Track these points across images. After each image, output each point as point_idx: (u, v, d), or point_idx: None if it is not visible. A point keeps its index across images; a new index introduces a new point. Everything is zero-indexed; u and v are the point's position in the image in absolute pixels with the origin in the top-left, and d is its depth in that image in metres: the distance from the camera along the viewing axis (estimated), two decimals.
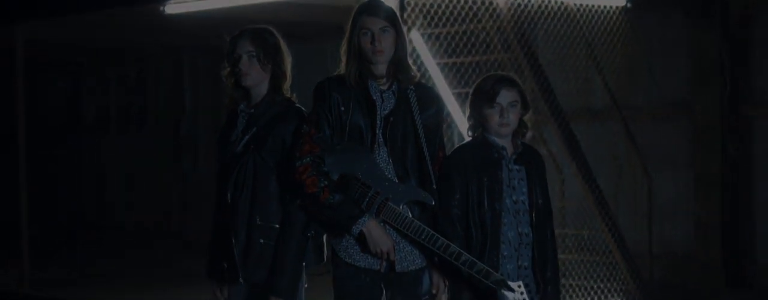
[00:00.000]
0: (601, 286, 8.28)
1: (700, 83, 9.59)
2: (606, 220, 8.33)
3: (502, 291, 3.99)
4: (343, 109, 4.13)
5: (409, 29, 6.90)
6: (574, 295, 8.17)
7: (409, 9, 7.04)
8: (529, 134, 4.40)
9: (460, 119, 7.01)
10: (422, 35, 7.41)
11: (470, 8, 7.59)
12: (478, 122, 4.26)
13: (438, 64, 7.47)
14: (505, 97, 4.19)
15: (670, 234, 9.60)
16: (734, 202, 9.48)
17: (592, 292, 8.26)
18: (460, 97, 7.11)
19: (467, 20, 7.69)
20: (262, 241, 4.25)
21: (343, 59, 4.20)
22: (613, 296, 8.31)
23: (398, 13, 4.89)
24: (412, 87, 4.23)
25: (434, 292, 4.25)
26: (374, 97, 4.17)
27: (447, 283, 4.25)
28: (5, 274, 10.57)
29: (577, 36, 8.44)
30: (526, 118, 4.29)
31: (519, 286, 4.00)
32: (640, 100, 9.76)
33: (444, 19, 7.41)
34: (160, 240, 13.62)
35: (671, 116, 9.76)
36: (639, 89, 9.74)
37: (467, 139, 4.36)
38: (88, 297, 9.46)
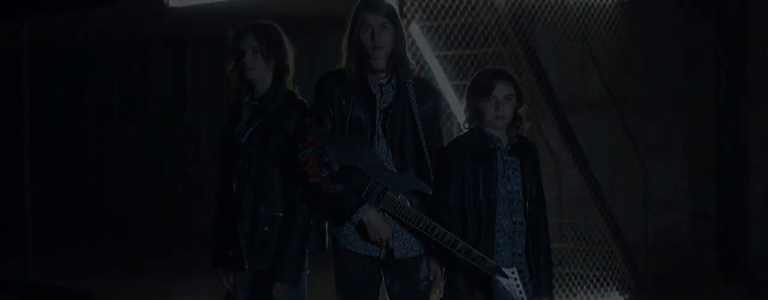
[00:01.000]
0: (597, 275, 8.33)
1: (695, 76, 9.62)
2: (602, 211, 8.36)
3: (497, 277, 4.11)
4: (343, 102, 4.23)
5: (408, 22, 6.96)
6: (570, 284, 8.23)
7: (408, 2, 7.08)
8: (526, 126, 4.51)
9: (458, 111, 7.07)
10: (421, 28, 7.46)
11: (469, 1, 7.64)
12: (474, 115, 4.36)
13: (437, 56, 7.53)
14: (501, 90, 4.30)
15: (666, 225, 9.63)
16: (729, 194, 9.52)
17: (588, 281, 8.31)
18: (459, 90, 7.16)
19: (466, 13, 7.74)
20: (266, 229, 4.35)
21: (344, 54, 4.30)
22: (608, 285, 8.36)
23: (397, 7, 5.00)
24: (410, 81, 4.33)
25: (432, 278, 4.36)
26: (374, 91, 4.27)
27: (444, 270, 4.36)
28: (9, 265, 10.62)
29: (574, 29, 8.47)
30: (521, 110, 4.39)
31: (513, 273, 4.12)
32: (636, 93, 9.79)
33: (443, 12, 7.47)
34: (161, 231, 13.68)
35: (667, 108, 9.79)
36: (635, 82, 9.78)
37: (464, 130, 4.47)
38: (90, 287, 9.51)
